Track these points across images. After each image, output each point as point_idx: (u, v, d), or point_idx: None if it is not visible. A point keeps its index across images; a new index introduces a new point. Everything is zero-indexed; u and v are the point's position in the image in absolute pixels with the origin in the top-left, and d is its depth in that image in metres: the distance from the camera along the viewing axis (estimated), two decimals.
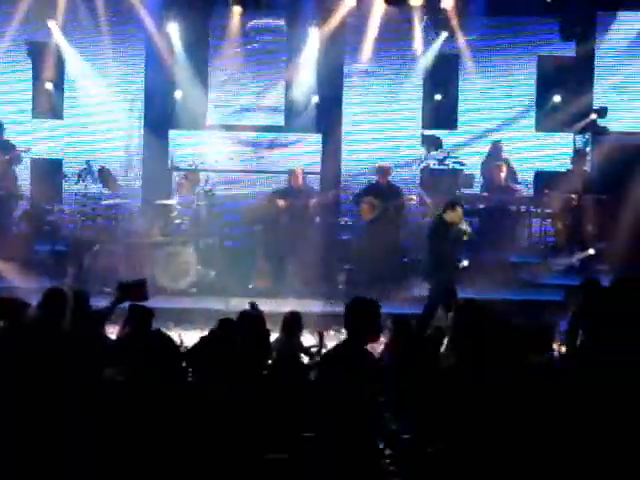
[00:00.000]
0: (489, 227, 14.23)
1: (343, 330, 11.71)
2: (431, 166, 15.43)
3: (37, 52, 15.37)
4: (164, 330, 7.28)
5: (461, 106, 15.80)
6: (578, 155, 14.67)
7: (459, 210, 11.76)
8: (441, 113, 15.73)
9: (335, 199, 14.86)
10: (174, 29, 15.06)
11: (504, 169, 14.59)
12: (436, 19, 15.04)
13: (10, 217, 14.42)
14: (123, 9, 14.90)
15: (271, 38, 15.52)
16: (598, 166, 14.60)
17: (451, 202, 12.02)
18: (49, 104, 15.48)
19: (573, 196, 14.05)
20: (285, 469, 4.69)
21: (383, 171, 14.27)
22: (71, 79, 15.54)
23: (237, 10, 14.87)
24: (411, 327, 8.27)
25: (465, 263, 11.91)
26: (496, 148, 15.16)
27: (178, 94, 15.38)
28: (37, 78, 15.46)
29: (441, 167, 15.28)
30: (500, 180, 14.52)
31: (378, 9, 14.77)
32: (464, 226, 11.82)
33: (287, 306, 10.05)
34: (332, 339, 11.58)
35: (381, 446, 5.50)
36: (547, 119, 15.55)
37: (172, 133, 15.68)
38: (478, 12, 14.83)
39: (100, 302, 9.20)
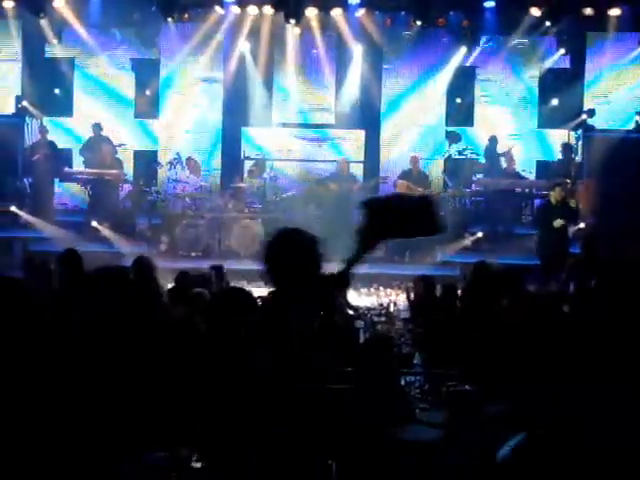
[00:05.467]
0: (500, 206, 14.14)
1: (381, 288, 11.90)
2: (453, 156, 15.37)
3: (139, 66, 15.47)
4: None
5: (476, 107, 15.70)
6: (565, 148, 14.58)
7: (558, 190, 11.77)
8: (461, 113, 15.62)
9: (375, 183, 14.84)
10: (247, 47, 15.07)
11: (514, 159, 14.52)
12: (457, 37, 14.93)
13: (117, 197, 14.56)
14: (207, 33, 14.91)
15: (324, 52, 15.47)
16: (587, 156, 14.53)
17: (553, 184, 12.05)
18: (148, 107, 15.59)
19: (567, 180, 13.95)
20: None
21: (414, 160, 14.26)
22: (165, 87, 15.60)
23: (297, 31, 14.83)
24: (434, 285, 8.23)
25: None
26: (493, 141, 14.97)
27: (250, 98, 15.41)
28: (139, 86, 15.58)
29: (461, 157, 15.20)
30: (512, 168, 14.44)
31: (411, 29, 14.70)
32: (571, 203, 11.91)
33: (335, 268, 10.01)
34: (371, 295, 11.69)
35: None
36: (547, 118, 15.42)
37: (244, 130, 15.69)
38: (491, 32, 14.71)
39: (186, 264, 9.33)
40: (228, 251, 13.40)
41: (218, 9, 14.41)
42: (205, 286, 7.13)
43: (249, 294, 5.63)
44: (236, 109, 15.43)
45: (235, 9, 14.41)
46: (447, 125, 15.57)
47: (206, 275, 7.85)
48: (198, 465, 3.43)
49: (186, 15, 14.50)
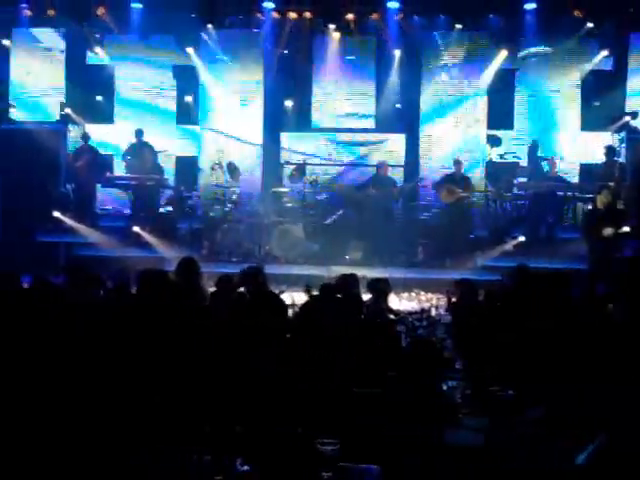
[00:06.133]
0: (542, 210, 14.04)
1: (422, 292, 11.89)
2: (494, 159, 15.30)
3: (179, 73, 15.59)
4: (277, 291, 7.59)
5: (516, 110, 15.58)
6: (608, 150, 14.40)
7: (605, 193, 11.70)
8: (502, 116, 15.51)
9: (415, 187, 14.82)
10: (286, 52, 15.11)
11: (557, 162, 14.38)
12: (497, 40, 14.84)
13: (158, 202, 14.72)
14: (245, 36, 15.04)
15: (363, 57, 15.49)
16: (631, 158, 14.39)
17: (599, 188, 11.99)
18: (188, 112, 15.71)
19: (611, 183, 13.79)
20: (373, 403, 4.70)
21: (458, 163, 14.22)
22: (205, 93, 15.70)
23: (336, 36, 14.87)
24: (475, 290, 8.18)
25: None
26: (535, 145, 14.83)
27: (288, 103, 15.46)
28: (180, 93, 15.70)
29: (502, 160, 15.14)
30: (554, 172, 14.29)
31: (450, 32, 14.66)
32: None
33: (375, 273, 10.04)
34: (412, 299, 11.67)
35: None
36: (590, 120, 15.26)
37: (283, 134, 15.74)
38: (532, 35, 14.60)
39: (227, 269, 9.41)
40: (268, 255, 13.46)
41: (258, 15, 14.50)
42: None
43: (278, 297, 5.72)
44: (276, 114, 15.50)
45: (275, 14, 14.50)
46: (488, 128, 15.48)
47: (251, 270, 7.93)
48: (244, 469, 3.46)
49: (226, 21, 14.59)
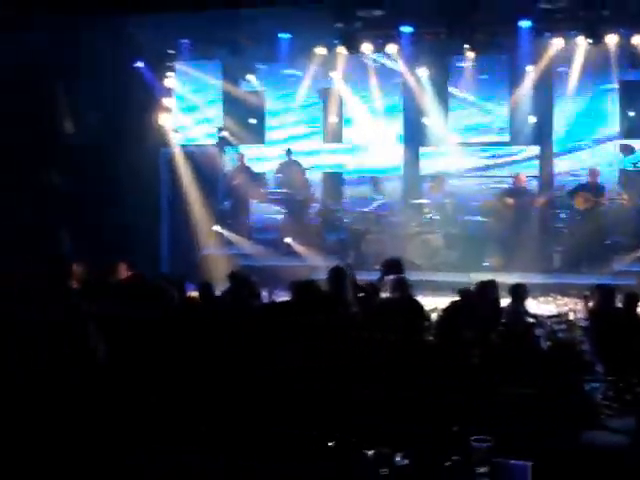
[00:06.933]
0: None
1: (558, 297, 11.63)
2: (627, 168, 14.77)
3: (324, 95, 15.87)
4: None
5: None
6: None
7: None
8: (634, 125, 14.95)
9: (551, 196, 14.48)
10: (423, 71, 15.11)
11: None
12: (629, 52, 14.29)
13: (306, 214, 15.04)
14: (385, 59, 15.11)
15: (497, 72, 15.29)
16: None
17: None
18: (333, 132, 15.90)
19: None
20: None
21: (592, 172, 13.83)
22: (348, 113, 15.85)
23: (470, 54, 14.71)
24: (613, 294, 7.94)
25: None
26: None
27: (426, 120, 15.40)
28: (325, 114, 15.97)
29: (635, 169, 14.59)
30: None
31: (581, 47, 14.22)
32: None
33: (514, 279, 9.88)
34: (549, 303, 11.42)
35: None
36: None
37: (422, 149, 15.69)
38: None
39: (373, 277, 9.51)
40: (410, 263, 13.43)
41: (396, 38, 14.52)
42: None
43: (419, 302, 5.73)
44: (415, 130, 15.51)
45: (412, 37, 14.47)
46: (621, 137, 14.95)
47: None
48: (404, 462, 3.51)
49: (367, 46, 14.63)
